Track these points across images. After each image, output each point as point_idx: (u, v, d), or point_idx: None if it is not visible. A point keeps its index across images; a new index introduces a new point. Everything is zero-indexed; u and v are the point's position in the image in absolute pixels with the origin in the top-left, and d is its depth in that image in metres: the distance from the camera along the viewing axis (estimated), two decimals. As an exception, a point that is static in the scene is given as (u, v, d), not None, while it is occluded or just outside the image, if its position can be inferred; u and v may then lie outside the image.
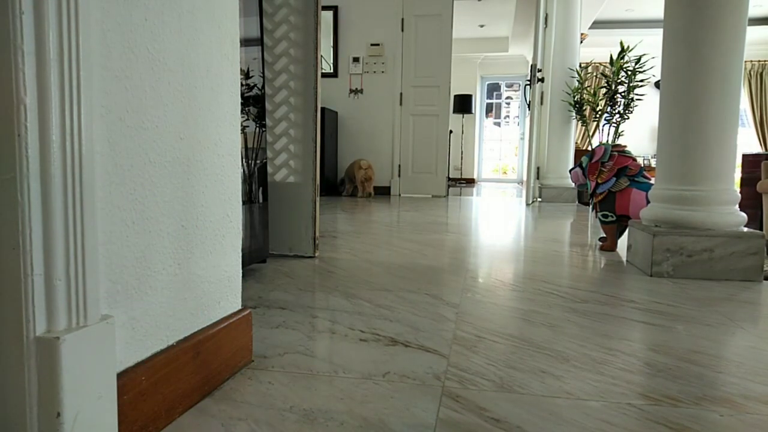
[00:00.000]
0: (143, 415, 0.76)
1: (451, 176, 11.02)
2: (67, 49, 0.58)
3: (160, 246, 0.82)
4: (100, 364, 0.65)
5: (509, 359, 1.13)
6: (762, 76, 10.09)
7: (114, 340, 0.68)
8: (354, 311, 1.46)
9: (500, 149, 12.35)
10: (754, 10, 8.40)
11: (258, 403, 0.90)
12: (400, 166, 6.42)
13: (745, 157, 5.25)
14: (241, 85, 1.84)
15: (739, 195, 2.03)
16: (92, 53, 0.65)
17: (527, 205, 5.34)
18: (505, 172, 12.41)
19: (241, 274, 1.08)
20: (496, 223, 3.78)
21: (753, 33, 8.87)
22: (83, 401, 0.62)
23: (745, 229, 1.99)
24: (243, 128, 1.84)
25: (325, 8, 6.31)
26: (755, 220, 4.79)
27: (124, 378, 0.73)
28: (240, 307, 1.07)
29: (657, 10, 8.49)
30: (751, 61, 10.01)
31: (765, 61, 10.04)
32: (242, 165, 1.81)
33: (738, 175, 4.99)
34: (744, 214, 2.02)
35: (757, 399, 0.96)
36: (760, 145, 10.16)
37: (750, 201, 4.83)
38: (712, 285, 1.87)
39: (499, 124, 12.29)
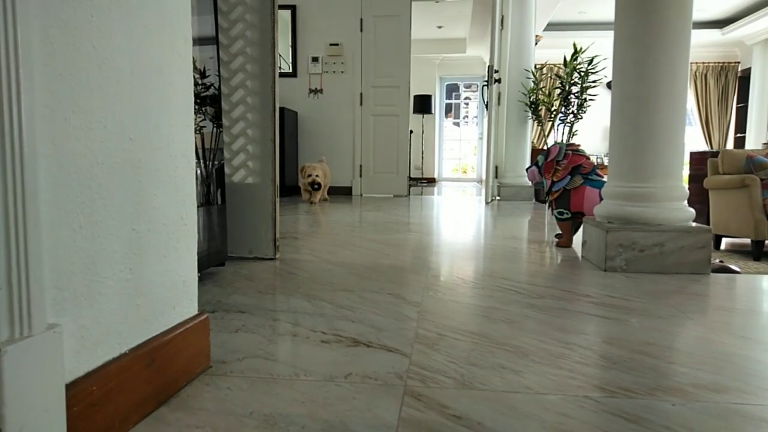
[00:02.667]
0: (95, 427, 0.74)
1: (412, 176, 11.08)
2: (3, 46, 0.55)
3: (111, 251, 0.79)
4: (46, 375, 0.62)
5: (470, 356, 1.14)
6: (706, 77, 10.54)
7: (62, 349, 0.65)
8: (315, 313, 1.45)
9: (460, 149, 12.49)
10: (699, 15, 8.77)
11: (216, 410, 0.88)
12: (361, 166, 6.41)
13: (692, 154, 5.48)
14: (197, 84, 1.80)
15: (688, 191, 2.11)
16: (33, 51, 0.62)
17: (486, 203, 5.42)
18: (465, 172, 12.56)
19: (197, 278, 1.05)
20: (457, 221, 3.82)
21: (698, 36, 9.26)
22: (28, 415, 0.59)
23: (694, 224, 2.07)
24: (200, 129, 1.80)
25: (282, 7, 6.24)
26: (702, 215, 4.99)
27: (74, 389, 0.70)
28: (197, 312, 1.05)
29: (608, 13, 8.75)
30: (696, 62, 10.44)
31: (709, 62, 10.49)
32: (199, 166, 1.77)
33: (686, 172, 5.19)
34: (692, 210, 2.10)
35: (705, 387, 1.00)
36: (706, 143, 10.60)
37: (698, 197, 5.03)
38: (663, 278, 1.94)
39: (458, 124, 12.43)
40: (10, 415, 0.57)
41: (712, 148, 10.53)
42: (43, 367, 0.62)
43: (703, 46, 9.97)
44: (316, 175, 4.86)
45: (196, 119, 1.05)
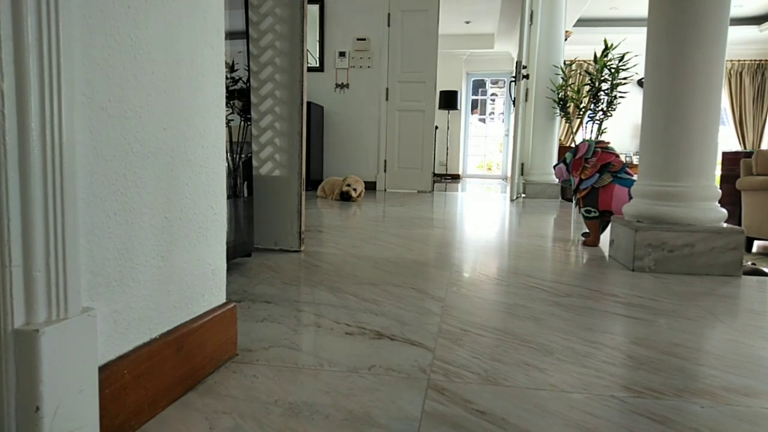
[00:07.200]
0: (126, 409, 0.75)
1: (436, 172, 11.04)
2: (46, 34, 0.57)
3: (143, 238, 0.81)
4: (81, 357, 0.64)
5: (494, 352, 1.13)
6: (741, 75, 10.25)
7: (95, 332, 0.67)
8: (339, 305, 1.46)
9: (485, 145, 12.39)
10: (735, 10, 8.53)
11: (243, 397, 0.90)
12: (385, 161, 6.41)
13: (725, 154, 5.34)
14: (226, 78, 1.82)
15: (720, 191, 2.06)
16: (73, 40, 0.63)
17: (511, 200, 5.37)
18: (489, 168, 12.46)
19: (225, 268, 1.07)
20: (481, 218, 3.79)
21: (734, 33, 9.00)
22: (63, 395, 0.61)
23: (726, 225, 2.02)
24: (228, 122, 1.82)
25: (311, 1, 6.27)
26: (734, 217, 4.87)
27: (106, 371, 0.72)
28: (224, 301, 1.06)
29: (641, 9, 8.57)
30: (731, 60, 10.16)
31: (744, 60, 10.20)
32: (227, 158, 1.79)
33: (717, 172, 5.06)
34: (724, 210, 2.05)
35: (736, 390, 0.97)
36: (739, 143, 10.33)
37: (730, 198, 4.91)
38: (692, 279, 1.90)
39: (484, 121, 12.33)
40: (47, 393, 0.59)
41: (745, 148, 10.25)
42: (77, 348, 0.63)
43: (739, 43, 9.69)
44: (354, 189, 4.93)
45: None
